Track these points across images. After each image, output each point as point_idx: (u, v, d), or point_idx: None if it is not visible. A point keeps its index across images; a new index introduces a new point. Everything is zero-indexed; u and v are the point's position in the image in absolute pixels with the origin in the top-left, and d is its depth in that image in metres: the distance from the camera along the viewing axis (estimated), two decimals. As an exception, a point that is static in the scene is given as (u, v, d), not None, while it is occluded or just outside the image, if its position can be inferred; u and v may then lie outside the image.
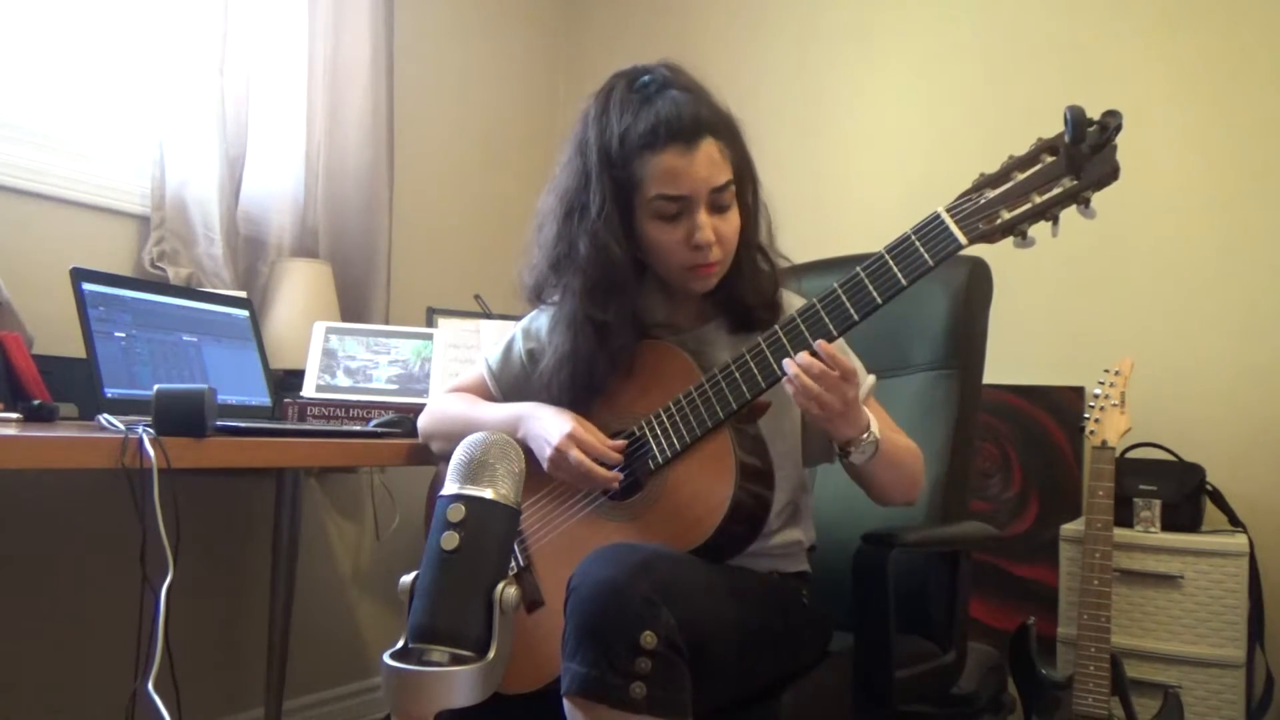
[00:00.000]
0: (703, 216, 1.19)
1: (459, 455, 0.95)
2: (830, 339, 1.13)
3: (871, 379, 1.31)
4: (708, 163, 1.18)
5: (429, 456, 1.44)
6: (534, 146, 2.99)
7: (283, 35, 2.19)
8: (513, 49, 2.93)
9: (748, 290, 1.27)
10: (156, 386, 1.21)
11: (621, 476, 1.20)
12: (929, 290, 1.52)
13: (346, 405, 1.70)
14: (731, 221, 1.23)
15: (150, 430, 1.14)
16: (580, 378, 1.25)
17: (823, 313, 1.13)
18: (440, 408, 1.40)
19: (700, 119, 1.18)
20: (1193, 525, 2.01)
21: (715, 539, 1.14)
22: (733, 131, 1.23)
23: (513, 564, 1.26)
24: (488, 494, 0.91)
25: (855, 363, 1.30)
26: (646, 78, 1.22)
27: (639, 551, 1.05)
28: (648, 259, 1.25)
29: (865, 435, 1.16)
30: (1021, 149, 1.08)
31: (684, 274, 1.24)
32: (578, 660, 0.98)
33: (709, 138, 1.18)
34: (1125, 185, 1.09)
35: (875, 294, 1.11)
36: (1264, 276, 2.13)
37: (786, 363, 1.11)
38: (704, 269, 1.22)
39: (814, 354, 1.10)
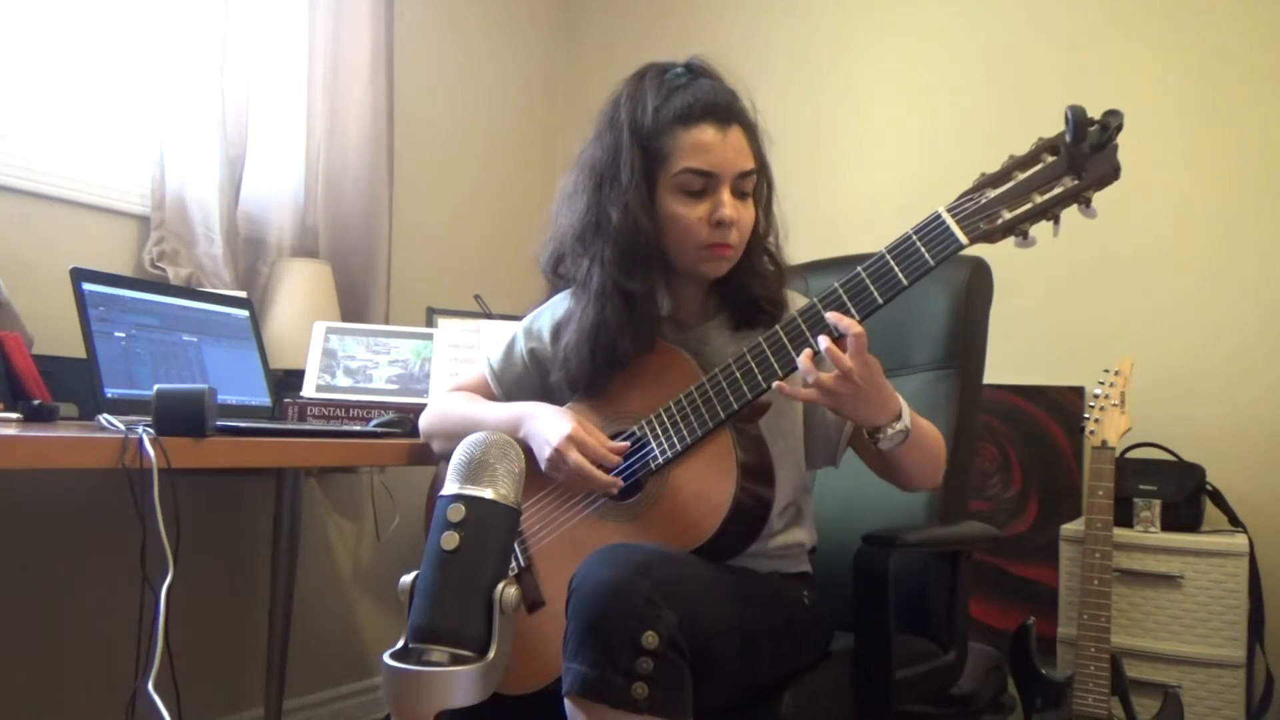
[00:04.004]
0: (726, 194, 1.20)
1: (459, 455, 0.95)
2: (831, 340, 1.13)
3: None
4: (737, 146, 1.21)
5: (429, 456, 1.44)
6: (534, 146, 2.99)
7: (283, 35, 2.19)
8: (512, 49, 2.93)
9: (754, 282, 1.28)
10: (156, 386, 1.21)
11: (621, 482, 1.19)
12: (929, 290, 1.52)
13: (346, 405, 1.70)
14: (750, 211, 1.24)
15: (150, 430, 1.14)
16: (603, 351, 1.24)
17: (824, 312, 1.13)
18: (441, 407, 1.40)
19: (734, 106, 1.22)
20: (1193, 525, 2.01)
21: (716, 539, 1.14)
22: (756, 131, 1.25)
23: (513, 564, 1.25)
24: (488, 494, 0.91)
25: None
26: (680, 68, 1.25)
27: (640, 552, 1.05)
28: (663, 239, 1.24)
29: (898, 420, 1.15)
30: (1022, 148, 1.08)
31: (699, 254, 1.23)
32: (579, 660, 0.98)
33: (739, 126, 1.21)
34: (1125, 185, 1.09)
35: (876, 294, 1.11)
36: (1264, 276, 2.13)
37: (821, 339, 1.09)
38: (720, 249, 1.22)
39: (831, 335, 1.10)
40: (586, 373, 1.25)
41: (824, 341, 1.09)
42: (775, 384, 1.13)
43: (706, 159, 1.19)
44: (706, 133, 1.19)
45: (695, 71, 1.25)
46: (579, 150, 1.30)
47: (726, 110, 1.20)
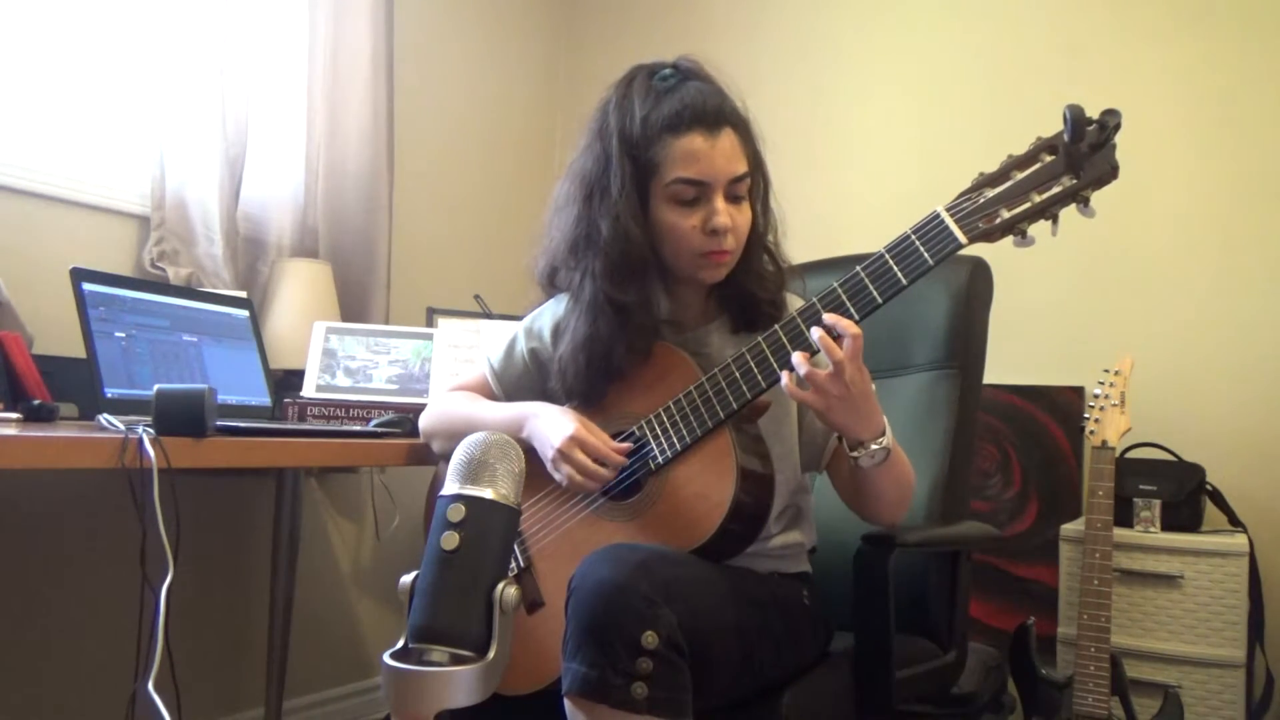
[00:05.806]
0: (720, 202, 1.20)
1: (459, 455, 0.95)
2: (827, 334, 1.13)
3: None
4: (729, 151, 1.19)
5: (429, 456, 1.44)
6: (534, 147, 2.99)
7: (283, 35, 2.20)
8: (513, 49, 2.93)
9: (754, 285, 1.28)
10: (156, 386, 1.21)
11: (610, 474, 1.19)
12: (930, 290, 1.52)
13: (346, 405, 1.70)
14: (745, 214, 1.24)
15: (150, 430, 1.14)
16: (598, 362, 1.23)
17: (823, 313, 1.13)
18: (442, 407, 1.40)
19: (723, 109, 1.20)
20: (1193, 525, 2.00)
21: (716, 539, 1.14)
22: (748, 129, 1.24)
23: (513, 564, 1.26)
24: (488, 494, 0.91)
25: None
26: (668, 70, 1.24)
27: (640, 551, 1.05)
28: (659, 246, 1.24)
29: (881, 438, 1.15)
30: (1021, 148, 1.08)
31: (695, 261, 1.23)
32: (579, 660, 0.98)
33: (730, 129, 1.20)
34: (1125, 185, 1.09)
35: (875, 293, 1.11)
36: (1264, 276, 2.13)
37: (814, 329, 1.09)
38: (717, 256, 1.22)
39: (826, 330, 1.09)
40: (583, 383, 1.25)
41: (816, 332, 1.09)
42: (781, 373, 1.12)
43: (697, 168, 1.18)
44: (696, 141, 1.18)
45: (683, 73, 1.23)
46: (570, 159, 1.29)
47: (715, 115, 1.19)
